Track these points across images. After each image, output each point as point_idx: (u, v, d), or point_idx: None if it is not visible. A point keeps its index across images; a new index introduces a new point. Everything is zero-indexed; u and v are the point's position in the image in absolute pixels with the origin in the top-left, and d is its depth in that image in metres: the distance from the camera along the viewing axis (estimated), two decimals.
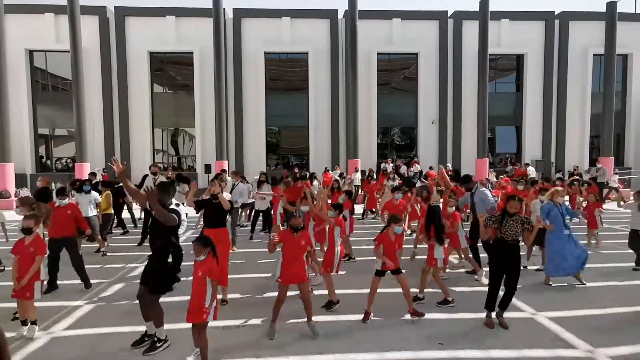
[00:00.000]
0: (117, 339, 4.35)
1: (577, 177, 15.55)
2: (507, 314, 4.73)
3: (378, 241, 4.75)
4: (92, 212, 7.70)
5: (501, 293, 4.68)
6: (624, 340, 4.23)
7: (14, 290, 4.42)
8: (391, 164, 18.61)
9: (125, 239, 9.54)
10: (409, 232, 8.91)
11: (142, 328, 4.30)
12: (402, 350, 4.05)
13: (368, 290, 5.54)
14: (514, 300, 5.28)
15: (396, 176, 14.80)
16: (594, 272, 6.68)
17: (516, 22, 21.39)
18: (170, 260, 4.21)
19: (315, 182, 13.67)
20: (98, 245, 8.09)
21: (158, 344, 4.09)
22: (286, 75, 21.90)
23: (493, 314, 4.66)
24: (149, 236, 4.26)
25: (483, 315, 4.82)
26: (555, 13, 21.64)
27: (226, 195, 5.68)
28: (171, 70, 21.54)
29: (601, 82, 20.76)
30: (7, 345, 1.49)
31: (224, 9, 18.93)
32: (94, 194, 7.96)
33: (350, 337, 4.32)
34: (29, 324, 4.45)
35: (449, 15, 21.32)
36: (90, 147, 18.01)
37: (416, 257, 7.50)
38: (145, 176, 9.89)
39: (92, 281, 6.33)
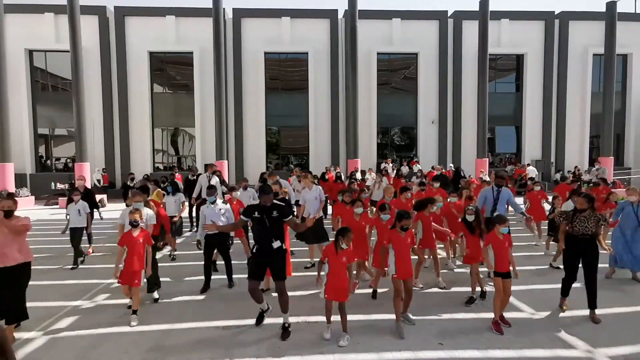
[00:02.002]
0: (117, 339, 4.35)
1: (578, 176, 15.63)
2: (506, 314, 4.74)
3: (486, 242, 4.78)
4: (175, 212, 7.89)
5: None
6: (624, 340, 4.23)
7: (119, 277, 4.82)
8: (391, 164, 18.60)
9: None
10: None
11: (142, 328, 4.37)
12: (401, 350, 4.05)
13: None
14: (513, 300, 5.29)
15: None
16: None
17: (516, 22, 21.40)
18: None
19: (368, 177, 13.75)
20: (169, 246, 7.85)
21: (290, 328, 4.42)
22: (286, 75, 21.90)
23: (566, 300, 5.02)
24: (264, 237, 4.44)
25: (483, 315, 4.85)
26: (555, 13, 21.65)
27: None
28: (171, 70, 21.55)
29: (601, 82, 20.78)
30: (9, 343, 1.50)
31: (224, 9, 18.94)
32: (179, 194, 8.17)
33: (351, 337, 4.31)
34: (133, 313, 4.80)
35: (449, 15, 21.33)
36: (90, 147, 18.01)
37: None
38: (194, 179, 10.22)
39: (91, 281, 6.36)
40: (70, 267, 7.16)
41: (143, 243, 4.91)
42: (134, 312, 4.79)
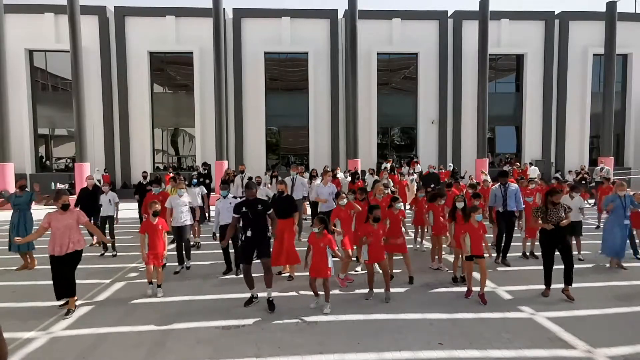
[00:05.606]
0: (117, 339, 4.36)
1: (584, 175, 15.63)
2: (506, 314, 4.77)
3: (464, 230, 5.41)
4: (199, 203, 9.00)
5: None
6: (623, 340, 4.23)
7: (147, 259, 5.56)
8: (389, 164, 18.56)
9: (124, 239, 9.54)
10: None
11: (142, 328, 4.39)
12: (401, 350, 4.05)
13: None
14: (514, 300, 5.31)
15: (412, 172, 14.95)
16: (594, 271, 6.72)
17: (516, 22, 21.41)
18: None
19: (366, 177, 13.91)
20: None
21: (274, 302, 5.03)
22: (286, 75, 21.90)
23: (551, 287, 5.49)
24: (247, 223, 5.09)
25: (483, 315, 4.86)
26: (555, 13, 21.65)
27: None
28: (171, 70, 21.55)
29: (601, 82, 20.78)
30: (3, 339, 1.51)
31: (224, 9, 18.93)
32: (202, 187, 9.42)
33: (350, 337, 4.32)
34: (159, 287, 5.67)
35: (448, 15, 21.33)
36: (90, 147, 18.01)
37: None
38: (205, 172, 12.20)
39: (91, 281, 6.36)
40: (104, 254, 8.06)
41: (161, 230, 5.70)
42: (159, 286, 5.66)
